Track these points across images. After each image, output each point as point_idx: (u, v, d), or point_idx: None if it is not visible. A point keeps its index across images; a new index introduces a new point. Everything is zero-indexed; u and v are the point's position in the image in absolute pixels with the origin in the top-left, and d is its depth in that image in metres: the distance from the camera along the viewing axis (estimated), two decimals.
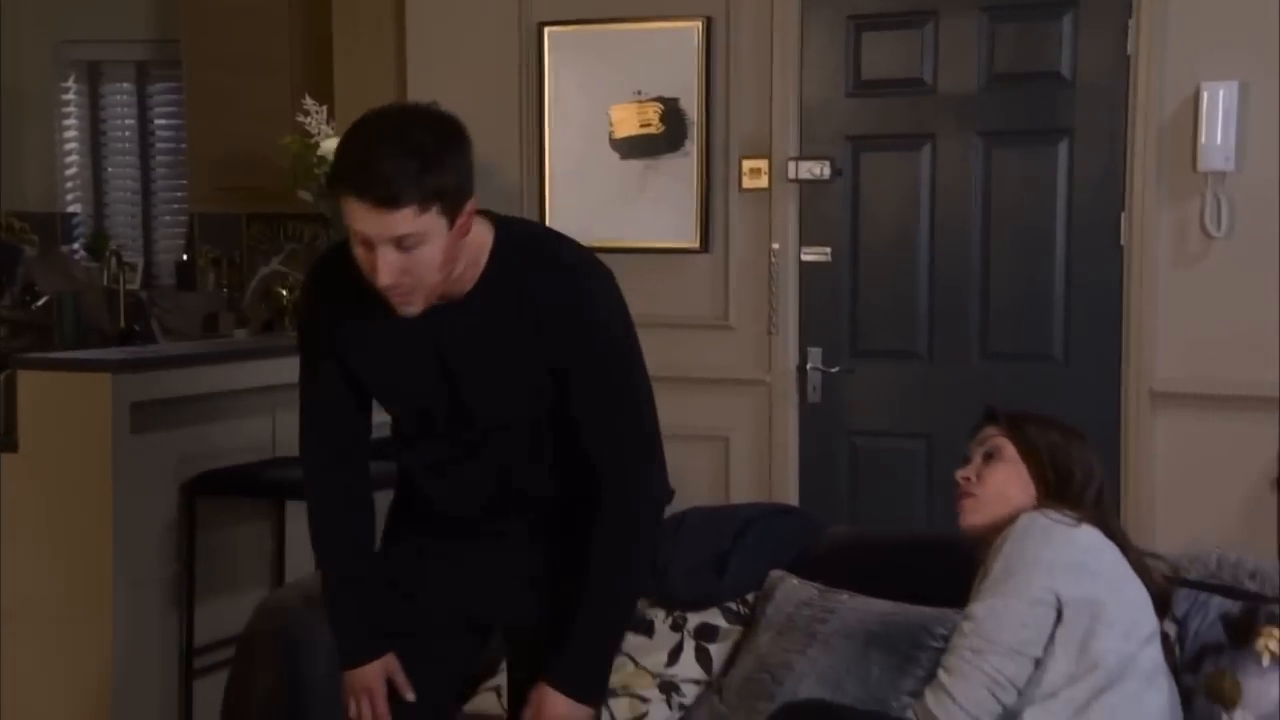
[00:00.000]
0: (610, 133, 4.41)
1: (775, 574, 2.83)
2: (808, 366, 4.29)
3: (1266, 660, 2.18)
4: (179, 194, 6.03)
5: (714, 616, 2.86)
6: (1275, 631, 2.21)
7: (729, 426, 4.35)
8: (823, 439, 4.29)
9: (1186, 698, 2.22)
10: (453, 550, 2.30)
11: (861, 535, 3.06)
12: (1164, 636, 2.24)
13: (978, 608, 2.15)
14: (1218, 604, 2.30)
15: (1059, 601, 2.12)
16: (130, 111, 6.15)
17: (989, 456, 2.34)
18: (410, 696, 2.24)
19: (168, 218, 6.15)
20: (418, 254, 1.98)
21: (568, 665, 2.16)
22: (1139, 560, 2.25)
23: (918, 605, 2.63)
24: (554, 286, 2.10)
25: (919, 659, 2.47)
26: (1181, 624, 2.30)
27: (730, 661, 2.78)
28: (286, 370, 3.90)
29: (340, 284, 2.11)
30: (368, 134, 2.00)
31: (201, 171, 5.41)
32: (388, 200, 1.94)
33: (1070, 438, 2.34)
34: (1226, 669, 2.21)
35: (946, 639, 2.31)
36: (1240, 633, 2.24)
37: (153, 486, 3.56)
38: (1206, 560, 2.38)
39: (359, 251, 2.02)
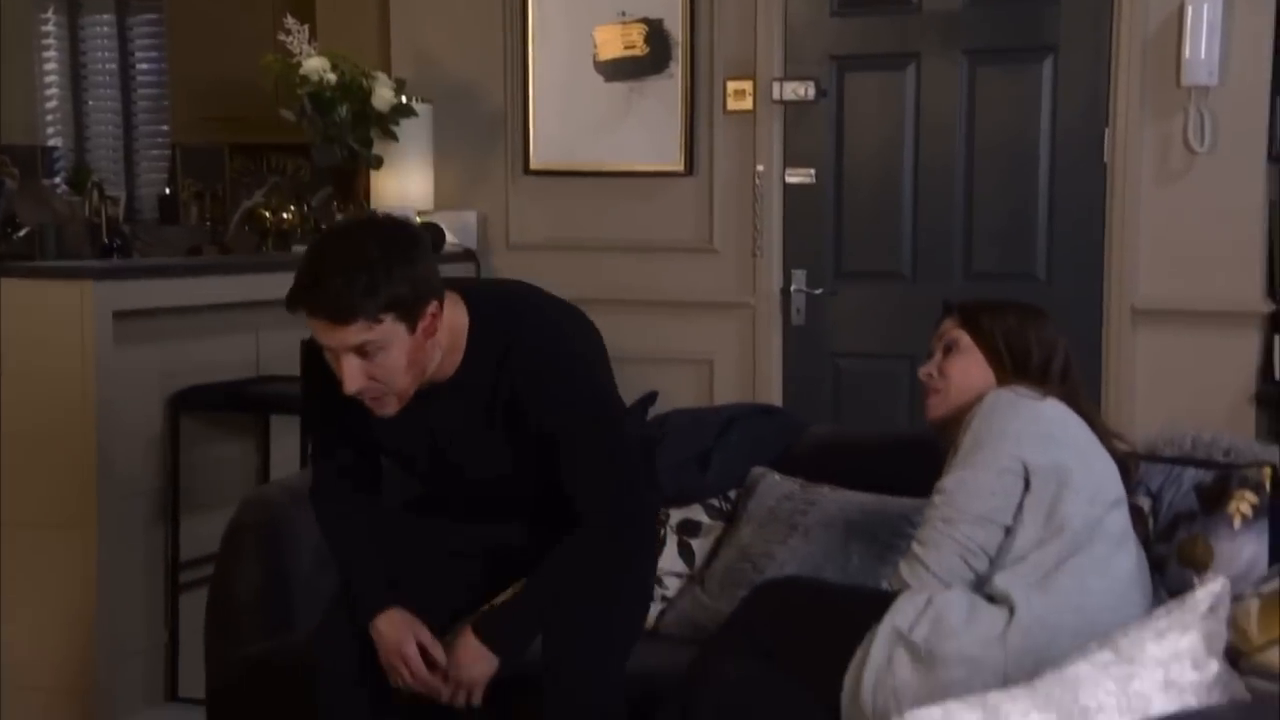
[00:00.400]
0: (594, 55, 4.40)
1: (757, 470, 2.85)
2: (791, 289, 4.30)
3: (1238, 523, 2.21)
4: (161, 127, 5.99)
5: (696, 513, 2.88)
6: (1248, 494, 2.23)
7: (713, 350, 4.36)
8: (806, 361, 4.30)
9: (1159, 565, 2.23)
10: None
11: (842, 434, 3.08)
12: (1137, 509, 2.26)
13: (948, 480, 2.19)
14: (1191, 475, 2.32)
15: (1026, 470, 2.15)
16: (111, 44, 6.10)
17: (948, 350, 2.38)
18: (443, 660, 2.26)
19: (154, 151, 6.11)
20: (380, 360, 2.08)
21: (493, 620, 2.27)
22: (1105, 433, 2.28)
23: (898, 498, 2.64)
24: (528, 362, 2.19)
25: (898, 547, 2.48)
26: (1155, 497, 2.32)
27: (712, 555, 2.80)
28: (270, 286, 3.88)
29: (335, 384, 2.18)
30: (319, 252, 2.11)
31: (183, 100, 5.38)
32: (337, 316, 2.04)
33: (1026, 318, 2.36)
34: (1199, 534, 2.23)
35: None
36: (1213, 499, 2.27)
37: (137, 400, 3.55)
38: (1181, 441, 2.41)
39: (328, 357, 2.12)
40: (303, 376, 2.39)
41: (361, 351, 2.06)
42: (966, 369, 2.34)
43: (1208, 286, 3.85)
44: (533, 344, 2.21)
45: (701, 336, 4.37)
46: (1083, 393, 2.35)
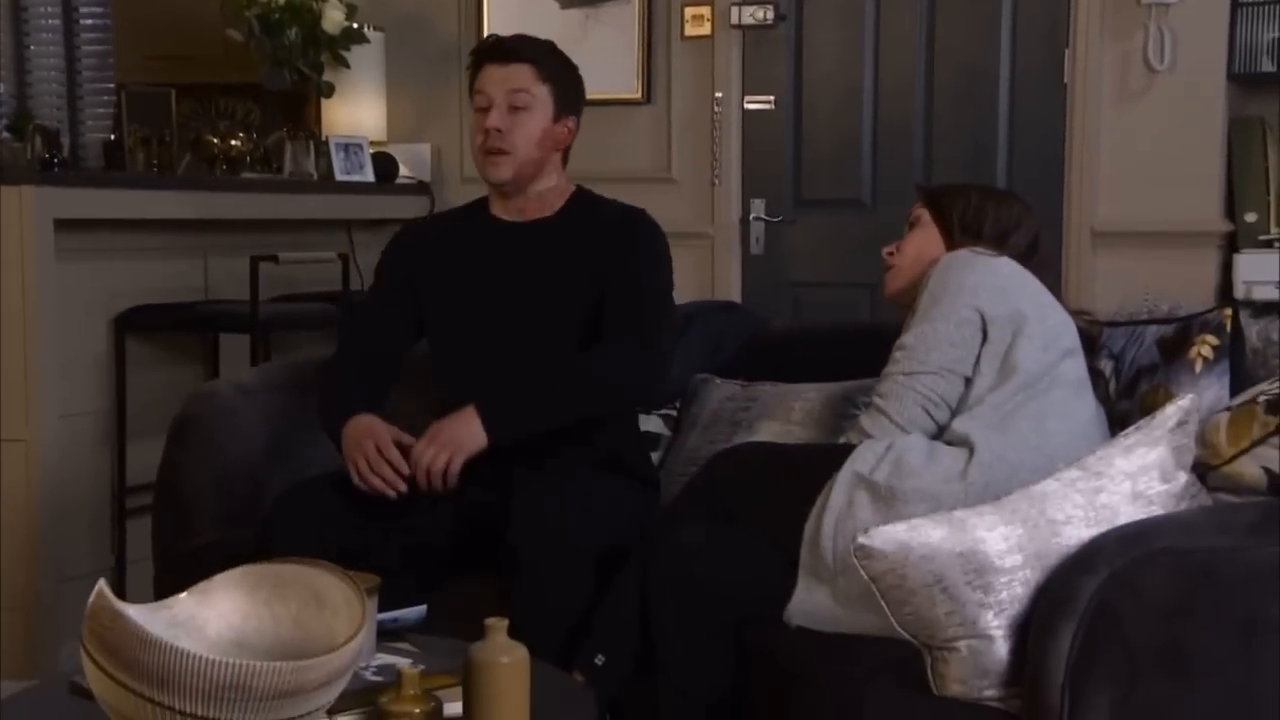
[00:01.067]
0: None
1: (698, 377, 2.81)
2: (750, 218, 4.26)
3: (1199, 366, 2.19)
4: (106, 74, 5.85)
5: (655, 425, 2.82)
6: (1208, 337, 2.22)
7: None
8: (766, 291, 4.25)
9: (1123, 421, 2.19)
10: None
11: (802, 327, 3.04)
12: (1096, 372, 2.25)
13: (907, 337, 2.20)
14: (1153, 331, 2.31)
15: (983, 320, 2.16)
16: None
17: (910, 227, 2.40)
18: (412, 442, 2.27)
19: (103, 98, 5.97)
20: (522, 119, 2.41)
21: (495, 398, 2.29)
22: (1065, 302, 2.28)
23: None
24: (617, 217, 2.50)
25: (844, 428, 2.45)
26: (1118, 358, 2.30)
27: (661, 466, 2.75)
28: (220, 206, 3.83)
29: (426, 224, 2.68)
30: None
31: (129, 39, 5.26)
32: (511, 54, 2.45)
33: (988, 196, 2.39)
34: (1160, 384, 2.22)
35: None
36: (1174, 348, 2.25)
37: (81, 317, 3.45)
38: (1138, 314, 2.39)
39: (474, 120, 2.46)
40: (390, 244, 2.61)
41: (513, 104, 2.41)
42: (923, 242, 2.35)
43: (1167, 207, 3.83)
44: (625, 215, 2.50)
45: None
46: (1049, 270, 2.34)
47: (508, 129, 2.40)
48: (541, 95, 2.43)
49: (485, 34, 4.39)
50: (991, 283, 2.18)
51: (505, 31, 4.30)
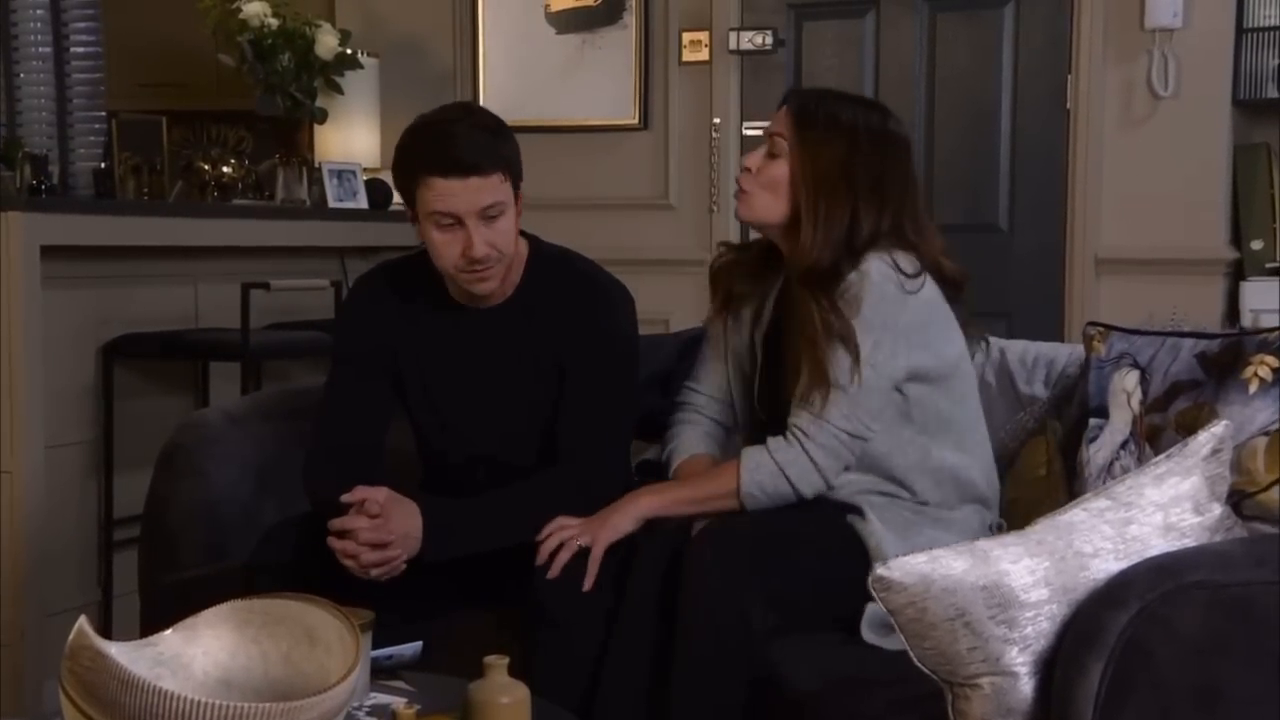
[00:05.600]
0: (546, 5, 4.31)
1: None
2: None
3: (1254, 386, 2.04)
4: (97, 101, 5.82)
5: (655, 453, 2.76)
6: (1268, 358, 2.07)
7: (669, 309, 4.24)
8: None
9: (1152, 436, 2.10)
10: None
11: None
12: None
13: (855, 389, 2.10)
14: (1190, 344, 2.17)
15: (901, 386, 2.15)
16: (43, 14, 5.91)
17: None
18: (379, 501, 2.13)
19: (94, 125, 5.93)
20: (499, 225, 2.15)
21: (441, 505, 2.17)
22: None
23: None
24: (578, 294, 2.27)
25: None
26: (1145, 369, 2.18)
27: None
28: (211, 232, 3.77)
29: (383, 297, 2.31)
30: (436, 121, 2.18)
31: (121, 66, 5.23)
32: (474, 168, 2.10)
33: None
34: (1206, 402, 2.08)
35: None
36: (1224, 364, 2.11)
37: (68, 346, 3.38)
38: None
39: (438, 238, 2.15)
40: (347, 312, 2.42)
41: (486, 215, 2.12)
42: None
43: (1171, 234, 3.79)
44: (583, 301, 2.27)
45: (657, 295, 4.23)
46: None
47: (491, 243, 2.14)
48: (508, 192, 2.16)
49: (479, 63, 4.36)
50: (920, 338, 2.12)
51: (500, 55, 4.33)
